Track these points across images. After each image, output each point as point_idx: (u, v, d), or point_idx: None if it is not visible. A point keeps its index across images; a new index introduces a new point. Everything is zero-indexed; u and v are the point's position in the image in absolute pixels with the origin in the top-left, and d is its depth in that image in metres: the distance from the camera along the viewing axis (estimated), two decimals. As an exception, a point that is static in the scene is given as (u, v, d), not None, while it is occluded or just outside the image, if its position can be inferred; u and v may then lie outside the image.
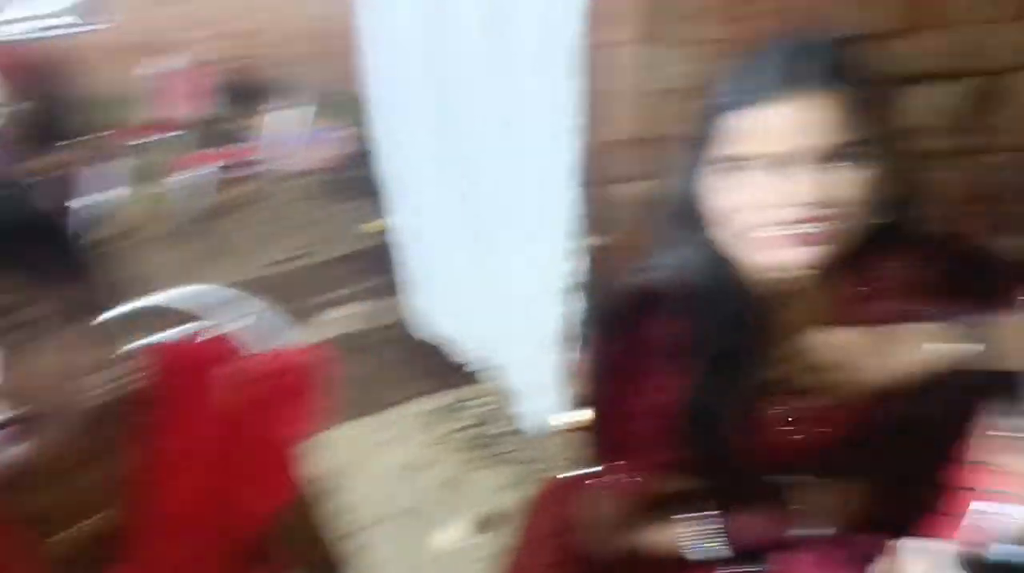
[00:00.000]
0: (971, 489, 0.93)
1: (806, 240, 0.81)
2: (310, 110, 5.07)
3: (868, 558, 0.92)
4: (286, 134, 4.53)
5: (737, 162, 0.84)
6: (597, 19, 1.94)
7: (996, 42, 1.80)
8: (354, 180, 4.95)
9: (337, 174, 4.72)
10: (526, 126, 1.78)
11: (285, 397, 0.85)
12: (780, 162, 0.81)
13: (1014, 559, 0.80)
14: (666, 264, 0.94)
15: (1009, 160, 1.91)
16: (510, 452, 2.21)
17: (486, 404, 2.43)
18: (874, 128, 0.82)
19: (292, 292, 3.53)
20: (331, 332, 3.09)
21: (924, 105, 1.81)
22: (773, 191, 0.82)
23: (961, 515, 0.93)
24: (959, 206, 1.89)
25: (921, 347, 0.89)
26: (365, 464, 2.23)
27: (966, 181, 1.90)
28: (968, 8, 1.75)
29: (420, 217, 2.49)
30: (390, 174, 2.56)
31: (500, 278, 2.18)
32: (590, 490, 1.01)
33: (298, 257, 4.03)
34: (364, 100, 2.45)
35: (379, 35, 2.17)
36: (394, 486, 2.14)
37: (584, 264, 1.64)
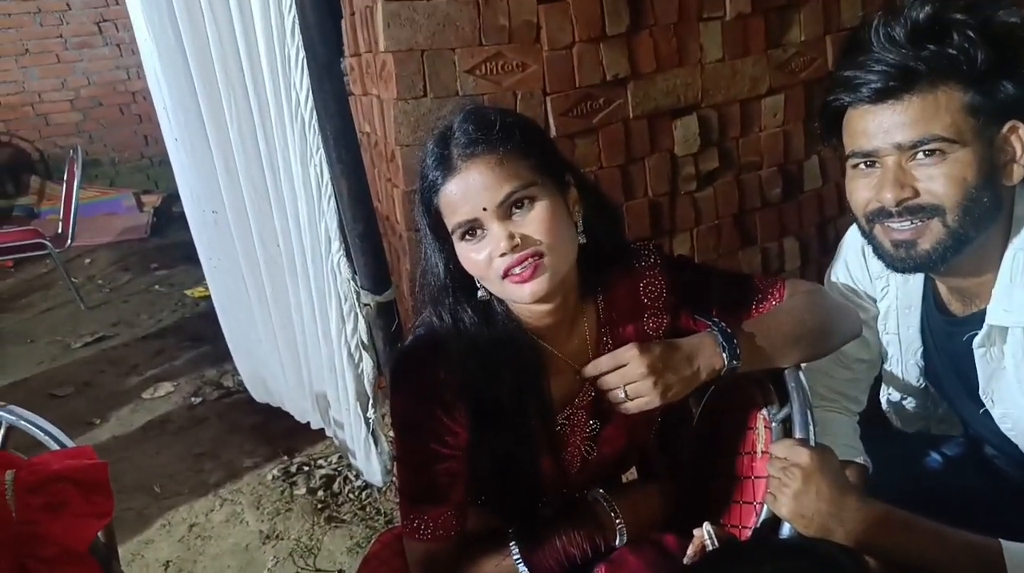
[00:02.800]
0: (760, 477, 1.05)
1: (523, 278, 0.93)
2: (102, 180, 4.69)
3: (679, 551, 1.00)
4: (76, 207, 4.12)
5: (462, 230, 0.95)
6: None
7: (734, 75, 2.10)
8: (168, 247, 4.69)
9: (144, 243, 4.42)
10: (297, 184, 1.80)
11: (76, 496, 0.84)
12: (477, 224, 0.94)
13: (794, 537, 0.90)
14: (445, 318, 1.01)
15: (753, 178, 2.20)
16: (358, 510, 2.17)
17: (331, 463, 2.37)
18: (544, 172, 0.95)
19: (111, 371, 3.29)
20: (163, 408, 2.93)
21: (683, 134, 2.04)
22: (485, 247, 0.94)
23: (754, 502, 1.04)
24: (715, 220, 2.17)
25: (703, 355, 0.98)
26: (222, 538, 2.15)
27: (720, 198, 2.17)
28: (706, 47, 2.04)
29: (229, 281, 2.43)
30: (199, 238, 2.45)
31: (300, 341, 2.19)
32: (409, 540, 1.04)
33: (109, 336, 3.72)
34: (163, 164, 2.36)
35: (168, 98, 2.09)
36: (254, 555, 2.07)
37: (376, 320, 1.69)
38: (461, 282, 0.99)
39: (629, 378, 0.97)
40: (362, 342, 1.71)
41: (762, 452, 1.05)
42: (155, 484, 2.42)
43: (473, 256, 0.94)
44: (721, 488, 1.11)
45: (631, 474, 1.27)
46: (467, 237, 0.94)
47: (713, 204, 2.19)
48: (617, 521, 1.08)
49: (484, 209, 0.92)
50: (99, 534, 0.98)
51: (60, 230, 4.19)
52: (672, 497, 1.14)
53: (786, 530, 0.94)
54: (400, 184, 1.90)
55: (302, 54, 1.40)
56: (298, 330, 2.13)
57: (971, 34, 0.91)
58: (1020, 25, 0.93)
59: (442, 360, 0.99)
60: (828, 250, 2.34)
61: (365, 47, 2.02)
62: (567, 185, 1.00)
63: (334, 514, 2.17)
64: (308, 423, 2.45)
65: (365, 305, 1.64)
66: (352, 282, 1.64)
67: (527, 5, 1.81)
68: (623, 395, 0.98)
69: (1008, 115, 0.95)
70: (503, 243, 0.91)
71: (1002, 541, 0.89)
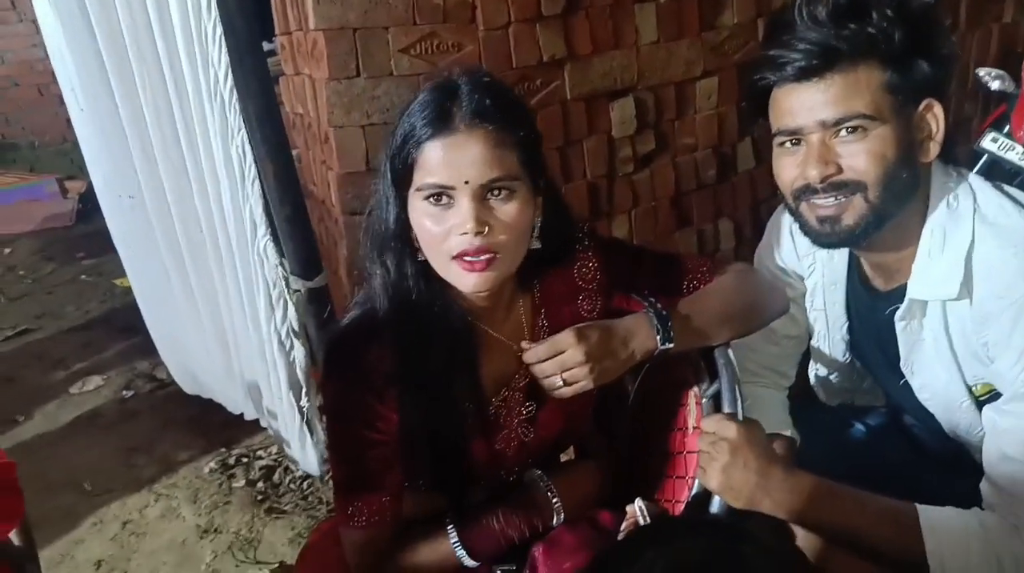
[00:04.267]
0: (692, 452, 1.07)
1: (474, 267, 0.90)
2: (21, 165, 4.44)
3: (615, 527, 1.02)
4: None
5: (430, 191, 0.90)
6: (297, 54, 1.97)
7: (669, 58, 2.11)
8: (96, 234, 4.49)
9: (69, 230, 4.22)
10: (219, 166, 1.72)
11: None
12: (449, 193, 0.90)
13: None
14: (380, 294, 0.98)
15: (689, 160, 2.23)
16: (300, 500, 2.13)
17: (271, 454, 2.32)
18: (527, 171, 0.93)
19: (36, 366, 3.13)
20: (92, 402, 2.80)
21: (620, 117, 2.05)
22: (449, 220, 0.90)
23: (687, 477, 1.06)
24: (652, 202, 2.19)
25: (638, 337, 0.99)
26: (157, 534, 2.08)
27: (657, 180, 2.19)
28: (641, 30, 2.05)
29: (149, 270, 2.34)
30: (114, 225, 2.35)
31: (229, 329, 2.13)
32: (344, 528, 1.02)
33: (33, 329, 3.55)
34: (77, 150, 2.23)
35: (76, 77, 1.98)
36: (192, 550, 2.01)
37: (307, 306, 1.65)
38: (407, 237, 0.96)
39: (567, 365, 0.97)
40: (293, 329, 1.66)
41: (694, 428, 1.07)
42: (85, 481, 2.32)
43: (429, 224, 0.91)
44: (655, 464, 1.12)
45: (569, 452, 1.28)
46: (432, 200, 0.90)
47: (650, 186, 2.22)
48: (554, 501, 1.08)
49: (466, 182, 0.88)
50: (12, 536, 0.93)
51: (-26, 219, 3.97)
52: (609, 475, 1.15)
53: (716, 503, 0.96)
54: (335, 166, 1.85)
55: (219, 30, 1.34)
56: (226, 319, 2.06)
57: (888, 13, 0.94)
58: (933, 6, 0.96)
59: (373, 343, 0.97)
60: (761, 230, 2.38)
61: (295, 25, 1.95)
62: (539, 190, 0.97)
63: (275, 505, 2.13)
64: (242, 414, 2.39)
65: (295, 291, 1.59)
66: (280, 267, 1.59)
67: (461, -16, 1.78)
68: (560, 382, 0.98)
69: (924, 93, 0.98)
70: (470, 223, 0.88)
71: (918, 505, 0.93)
